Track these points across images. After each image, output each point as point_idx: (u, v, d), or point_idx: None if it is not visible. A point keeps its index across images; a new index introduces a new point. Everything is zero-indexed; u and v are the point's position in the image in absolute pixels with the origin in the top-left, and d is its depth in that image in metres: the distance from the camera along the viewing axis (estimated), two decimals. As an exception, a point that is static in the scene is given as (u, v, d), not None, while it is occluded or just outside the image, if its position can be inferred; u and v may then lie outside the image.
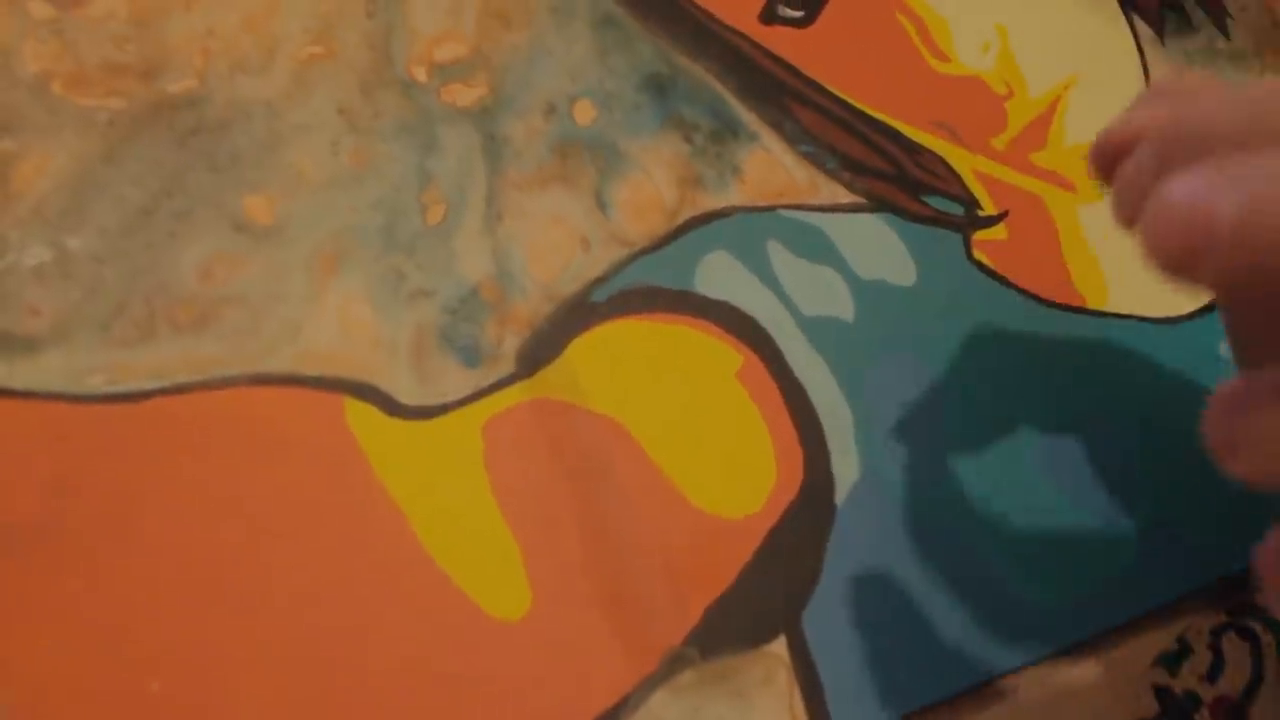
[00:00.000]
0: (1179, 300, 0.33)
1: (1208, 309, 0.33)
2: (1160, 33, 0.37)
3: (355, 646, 0.25)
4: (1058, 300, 0.31)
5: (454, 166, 0.29)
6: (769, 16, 0.33)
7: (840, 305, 0.30)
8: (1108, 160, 0.23)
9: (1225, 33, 0.38)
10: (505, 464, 0.27)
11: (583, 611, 0.26)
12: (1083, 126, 0.34)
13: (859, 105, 0.32)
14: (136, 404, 0.26)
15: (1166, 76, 0.23)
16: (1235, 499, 0.29)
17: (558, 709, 0.25)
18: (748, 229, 0.30)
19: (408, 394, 0.27)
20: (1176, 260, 0.19)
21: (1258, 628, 0.28)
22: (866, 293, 0.30)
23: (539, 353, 0.28)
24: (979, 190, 0.32)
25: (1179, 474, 0.30)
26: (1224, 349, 0.33)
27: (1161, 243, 0.19)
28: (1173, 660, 0.28)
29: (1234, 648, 0.28)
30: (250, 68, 0.29)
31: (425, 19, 0.31)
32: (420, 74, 0.30)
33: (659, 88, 0.31)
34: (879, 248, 0.31)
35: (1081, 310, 0.31)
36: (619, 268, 0.29)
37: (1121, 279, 0.32)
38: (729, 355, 0.28)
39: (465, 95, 0.30)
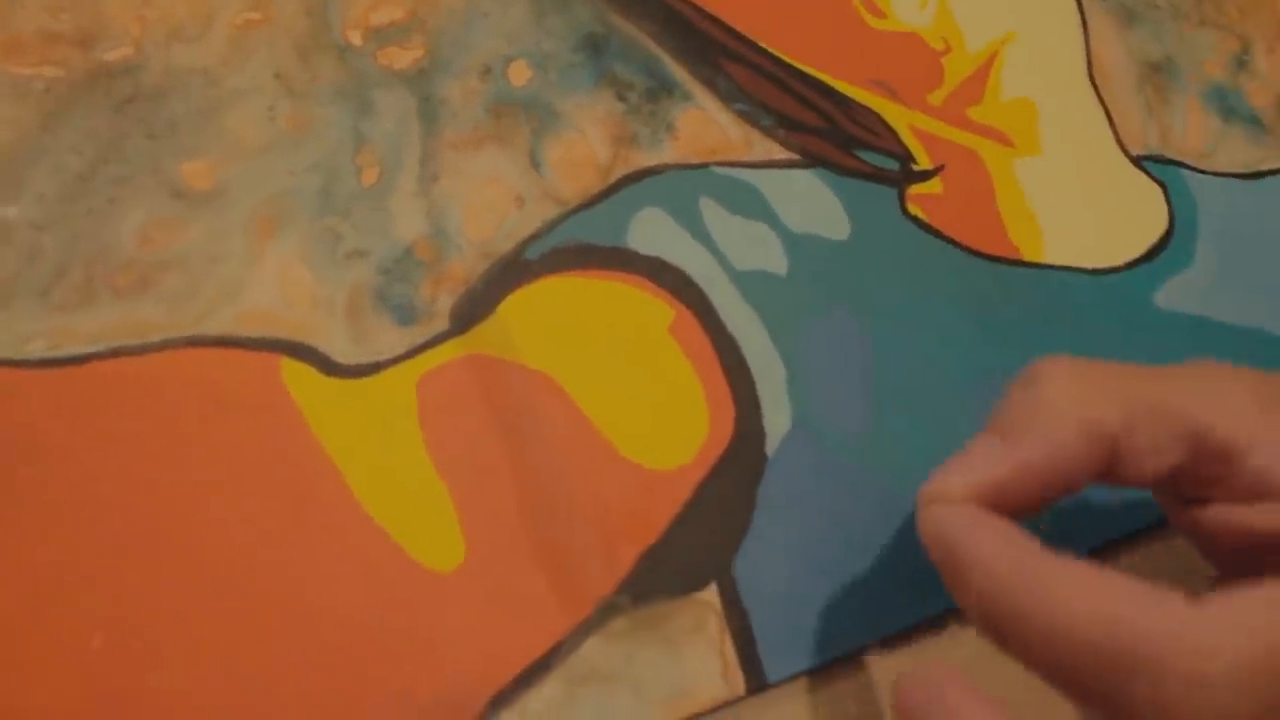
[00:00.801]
0: (1113, 251, 0.33)
1: (1142, 259, 0.33)
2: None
3: (292, 600, 0.25)
4: (993, 253, 0.32)
5: (389, 129, 0.30)
6: (705, -24, 0.33)
7: (773, 260, 0.30)
8: None
9: (1166, -15, 0.38)
10: (439, 419, 0.27)
11: (516, 562, 0.26)
12: (1020, 81, 0.35)
13: (794, 63, 0.33)
14: (77, 367, 0.26)
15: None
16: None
17: (491, 656, 0.26)
18: (681, 186, 0.30)
19: (343, 353, 0.27)
20: None
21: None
22: (800, 247, 0.30)
23: (473, 310, 0.28)
24: (914, 145, 0.33)
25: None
26: (1160, 299, 0.33)
27: None
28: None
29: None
30: (187, 35, 0.30)
31: (362, -16, 0.31)
32: (356, 38, 0.31)
33: (594, 48, 0.31)
34: (813, 203, 0.31)
35: (1016, 262, 0.32)
36: (552, 225, 0.29)
37: (1057, 231, 0.33)
38: (661, 310, 0.29)
39: (401, 58, 0.30)
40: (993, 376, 0.30)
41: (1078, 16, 0.36)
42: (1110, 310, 0.32)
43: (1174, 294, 0.33)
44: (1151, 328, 0.32)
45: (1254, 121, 0.36)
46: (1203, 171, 0.35)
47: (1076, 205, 0.33)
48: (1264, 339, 0.33)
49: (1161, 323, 0.32)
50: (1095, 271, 0.33)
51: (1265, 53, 0.37)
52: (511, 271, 0.29)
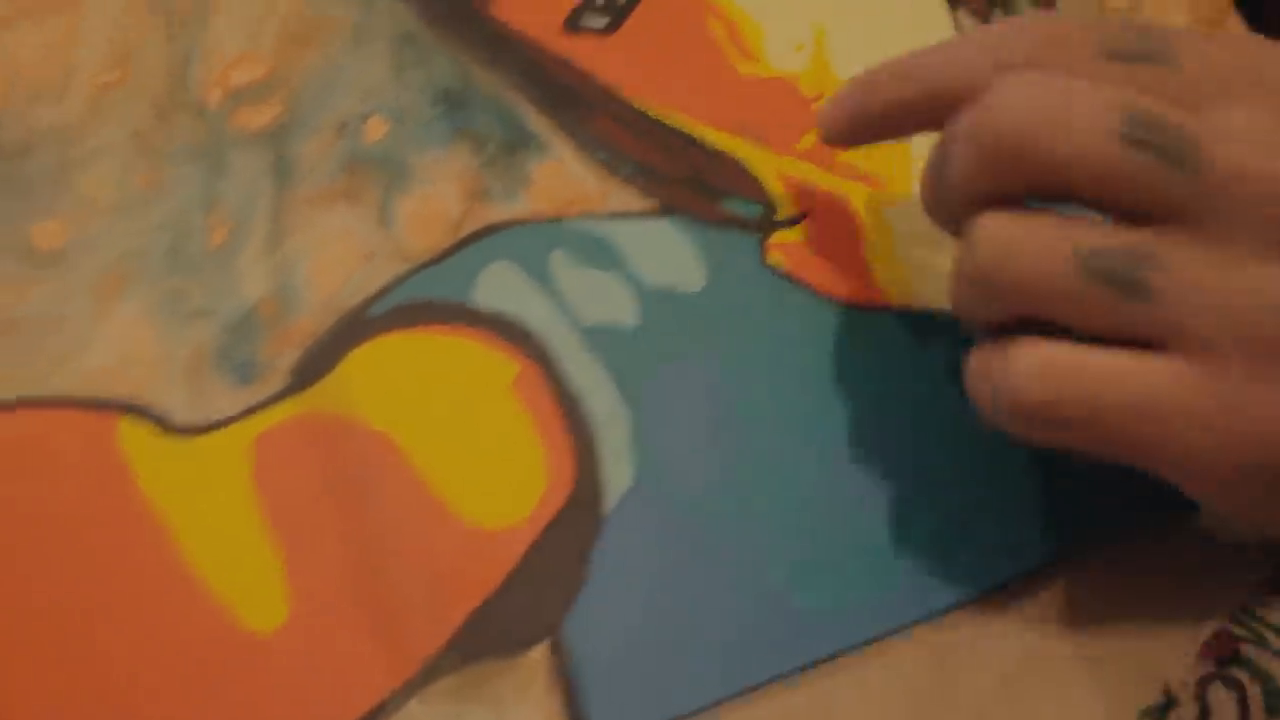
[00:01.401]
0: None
1: (1019, 304, 0.33)
2: (988, 25, 0.37)
3: (111, 662, 0.26)
4: (857, 300, 0.31)
5: (242, 188, 0.30)
6: (572, 26, 0.33)
7: (623, 313, 0.30)
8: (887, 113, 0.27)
9: (1057, 23, 0.37)
10: (273, 478, 0.27)
11: (341, 621, 0.26)
12: (898, 124, 0.34)
13: (658, 111, 0.33)
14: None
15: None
16: (1029, 499, 0.29)
17: (312, 717, 0.26)
18: (532, 240, 0.30)
19: (182, 412, 0.28)
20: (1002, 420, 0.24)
21: (1244, 678, 0.28)
22: (652, 300, 0.30)
23: (313, 367, 0.28)
24: (780, 192, 0.32)
25: (974, 474, 0.30)
26: (1035, 343, 0.32)
27: (989, 403, 0.24)
28: (1159, 713, 0.27)
29: (1220, 699, 0.27)
30: (47, 96, 0.30)
31: (225, 41, 0.32)
32: (215, 97, 0.31)
33: (453, 101, 0.32)
34: (668, 254, 0.31)
35: (882, 309, 0.32)
36: (398, 282, 0.29)
37: (926, 274, 0.32)
38: (504, 366, 0.29)
39: (258, 117, 0.31)
40: (854, 427, 0.30)
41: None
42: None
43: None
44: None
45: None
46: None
47: (944, 246, 0.33)
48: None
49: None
50: (964, 316, 0.32)
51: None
52: (354, 329, 0.29)
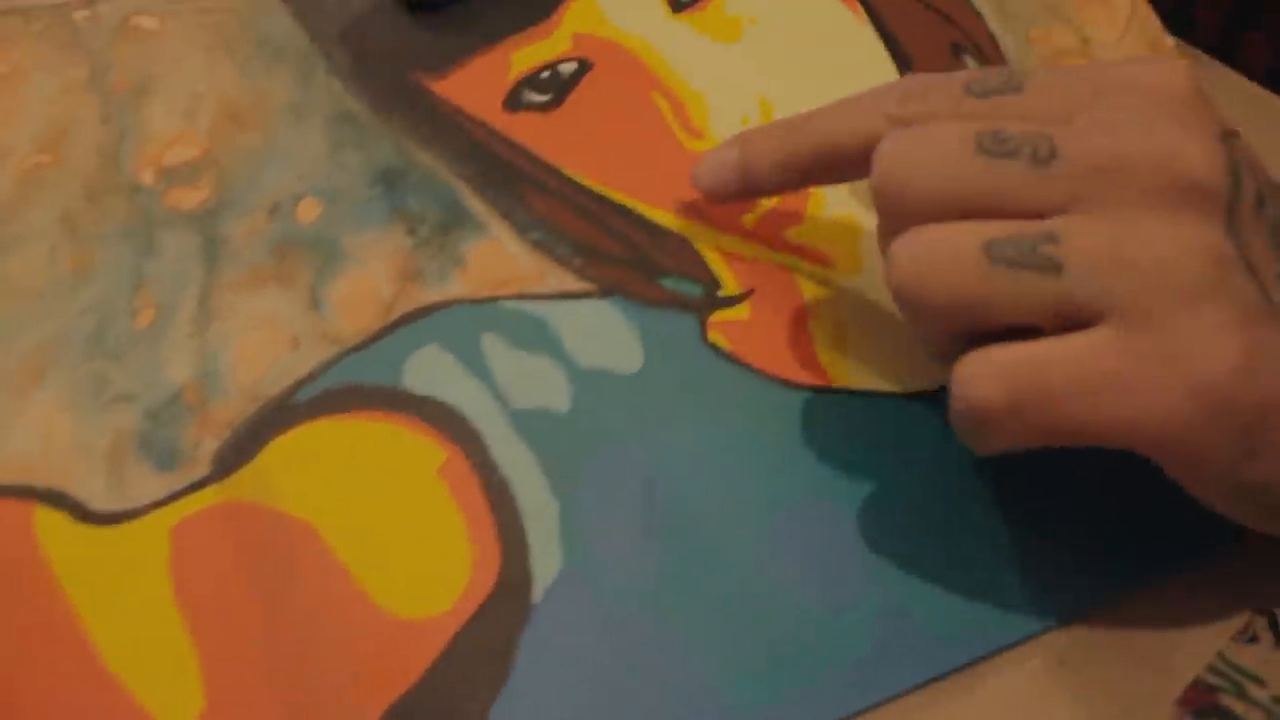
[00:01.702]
0: (930, 373, 0.32)
1: (969, 382, 0.32)
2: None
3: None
4: (800, 380, 0.31)
5: (170, 270, 0.30)
6: (514, 103, 0.33)
7: (556, 396, 0.29)
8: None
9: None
10: (190, 568, 0.27)
11: (259, 714, 0.26)
12: (843, 199, 0.34)
13: (599, 188, 0.32)
14: None
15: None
16: (973, 584, 0.29)
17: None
18: (464, 322, 0.30)
19: (100, 500, 0.27)
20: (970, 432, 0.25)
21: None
22: (586, 382, 0.30)
23: (235, 455, 0.28)
24: (722, 270, 0.32)
25: (915, 558, 0.29)
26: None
27: (958, 421, 0.25)
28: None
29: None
30: (-23, 180, 0.30)
31: (161, 121, 0.31)
32: (147, 178, 0.31)
33: (390, 182, 0.31)
34: (604, 335, 0.30)
35: (825, 389, 0.31)
36: (326, 367, 0.29)
37: (873, 354, 0.32)
38: (432, 452, 0.28)
39: (190, 198, 0.31)
40: (793, 511, 0.29)
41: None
42: (925, 436, 0.31)
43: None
44: (968, 452, 0.31)
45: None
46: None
47: (893, 325, 0.32)
48: (1098, 456, 0.32)
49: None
50: (909, 395, 0.31)
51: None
52: (278, 415, 0.28)
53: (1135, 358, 0.24)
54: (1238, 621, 0.28)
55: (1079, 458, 0.31)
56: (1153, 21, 0.40)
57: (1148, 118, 0.25)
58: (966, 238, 0.25)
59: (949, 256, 0.25)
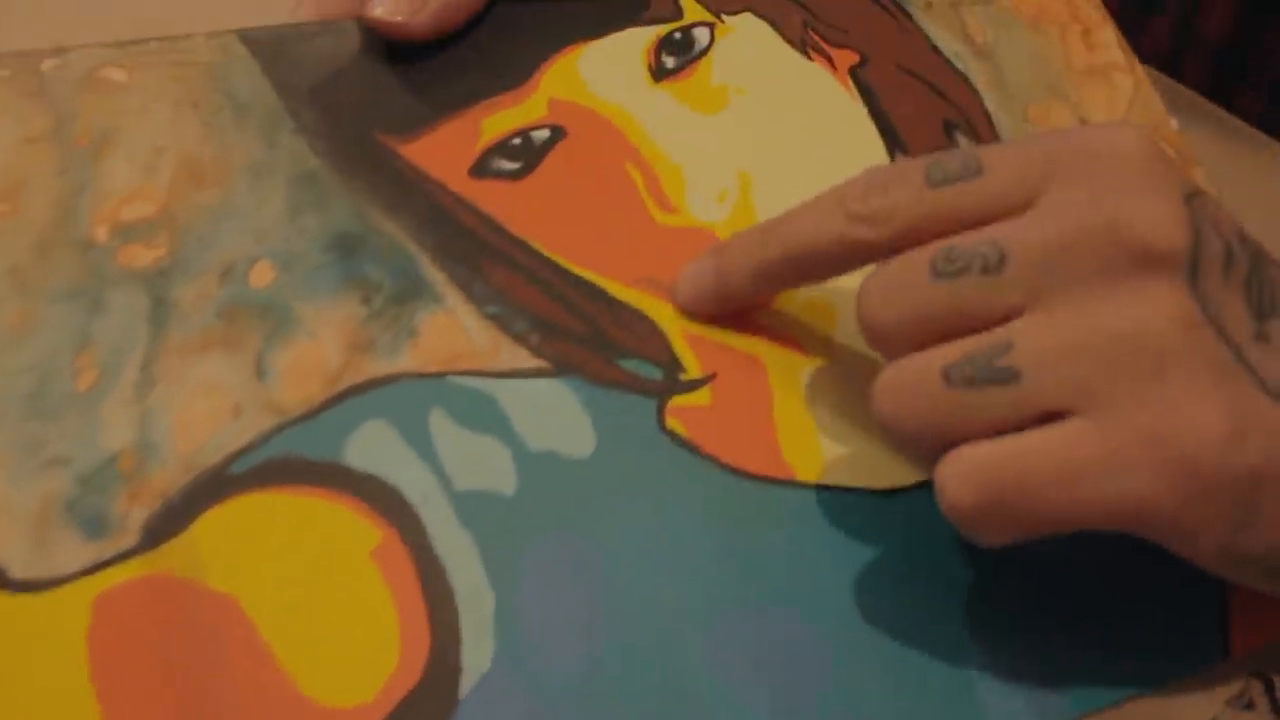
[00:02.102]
0: (901, 470, 0.30)
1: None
2: (929, 177, 0.35)
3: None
4: (761, 472, 0.30)
5: (116, 331, 0.29)
6: (481, 170, 0.32)
7: (501, 479, 0.28)
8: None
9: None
10: (110, 642, 0.26)
11: (164, 807, 0.25)
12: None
13: (563, 262, 0.31)
14: None
15: None
16: (935, 698, 0.27)
17: None
18: (411, 397, 0.29)
19: (23, 566, 0.26)
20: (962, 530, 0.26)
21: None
22: (533, 465, 0.29)
23: (165, 526, 0.27)
24: (685, 352, 0.31)
25: (874, 667, 0.28)
26: (953, 522, 0.30)
27: (950, 512, 0.25)
28: None
29: None
30: (-71, 230, 0.30)
31: (119, 176, 0.31)
32: (101, 234, 0.30)
33: (347, 248, 0.31)
34: (556, 416, 0.29)
35: (787, 483, 0.30)
36: (266, 438, 0.28)
37: (842, 446, 0.30)
38: (367, 532, 0.27)
39: (142, 256, 0.30)
40: (745, 611, 0.28)
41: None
42: (896, 533, 0.30)
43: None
44: (946, 548, 0.30)
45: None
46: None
47: (865, 417, 0.31)
48: (1074, 563, 0.30)
49: (954, 546, 0.30)
50: (879, 492, 0.30)
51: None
52: (213, 486, 0.27)
53: (1112, 442, 0.24)
54: (1234, 687, 0.27)
55: (1055, 570, 0.29)
56: (1155, 103, 0.39)
57: (1100, 189, 0.25)
58: (927, 365, 0.25)
59: (912, 385, 0.26)
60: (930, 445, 0.26)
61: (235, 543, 0.27)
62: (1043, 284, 0.25)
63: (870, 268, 0.28)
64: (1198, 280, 0.25)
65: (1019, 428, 0.25)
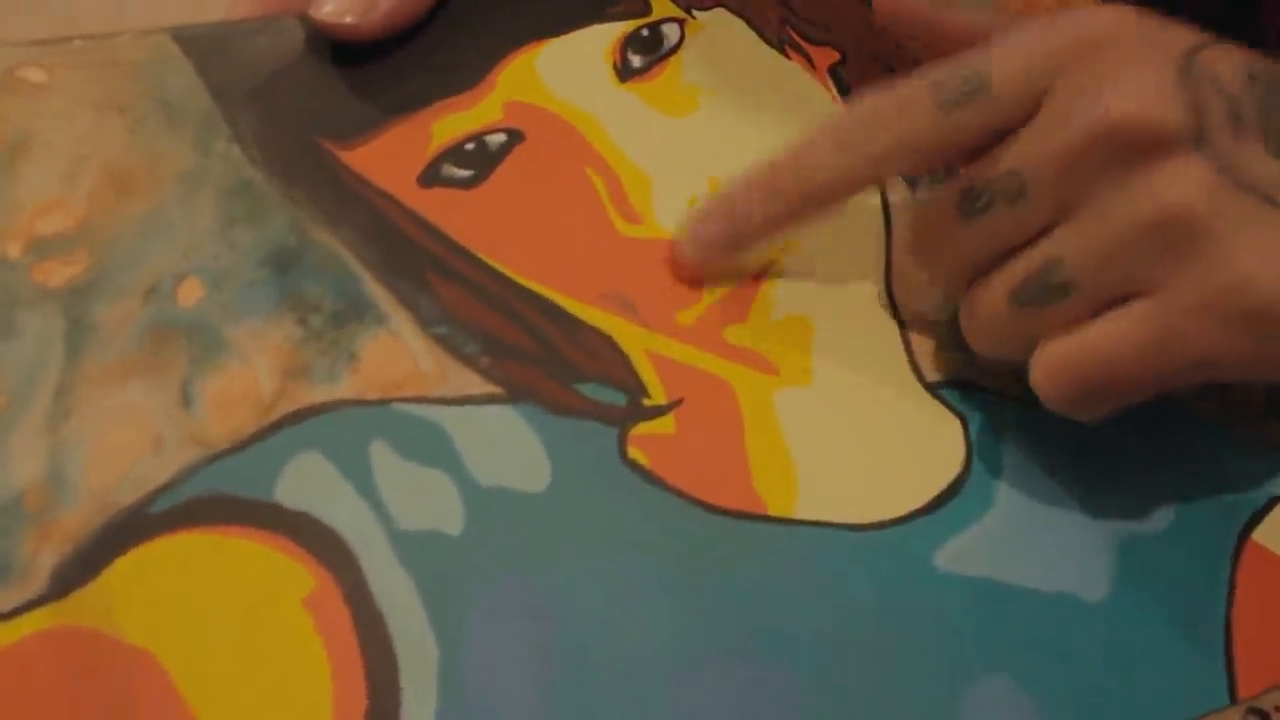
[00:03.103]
0: (887, 501, 0.28)
1: (923, 510, 0.29)
2: (911, 183, 0.33)
3: None
4: (730, 506, 0.27)
5: (28, 355, 0.27)
6: (431, 178, 0.30)
7: (447, 517, 0.26)
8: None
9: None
10: (15, 700, 0.24)
11: None
12: (798, 296, 0.30)
13: (518, 277, 0.29)
14: None
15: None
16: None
17: None
18: (350, 427, 0.27)
19: (-80, 619, 0.24)
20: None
21: None
22: (483, 501, 0.26)
23: (77, 571, 0.25)
24: (650, 375, 0.28)
25: (874, 710, 0.26)
26: (941, 558, 0.28)
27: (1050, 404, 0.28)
28: None
29: None
30: None
31: (35, 186, 0.28)
32: (15, 249, 0.28)
33: (282, 264, 0.28)
34: (508, 447, 0.27)
35: (759, 517, 0.27)
36: (190, 473, 0.26)
37: (816, 478, 0.28)
38: (300, 577, 0.25)
39: (59, 274, 0.28)
40: (712, 659, 0.26)
41: (880, 217, 0.32)
42: (873, 574, 0.27)
43: (959, 552, 0.28)
44: (923, 593, 0.27)
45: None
46: (1015, 398, 0.30)
47: (845, 446, 0.29)
48: (1074, 606, 0.28)
49: (937, 587, 0.28)
50: (859, 527, 0.28)
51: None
52: (130, 527, 0.25)
53: (1173, 315, 0.25)
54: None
55: (1051, 609, 0.27)
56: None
57: (1098, 81, 0.26)
58: (993, 298, 0.28)
59: (989, 319, 0.28)
60: (1025, 355, 0.27)
61: (153, 590, 0.25)
62: (1066, 197, 0.26)
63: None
64: (1206, 144, 0.25)
65: (1092, 317, 0.26)
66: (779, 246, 0.31)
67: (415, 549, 0.26)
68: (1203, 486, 0.30)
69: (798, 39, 0.35)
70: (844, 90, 0.34)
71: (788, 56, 0.35)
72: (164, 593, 0.25)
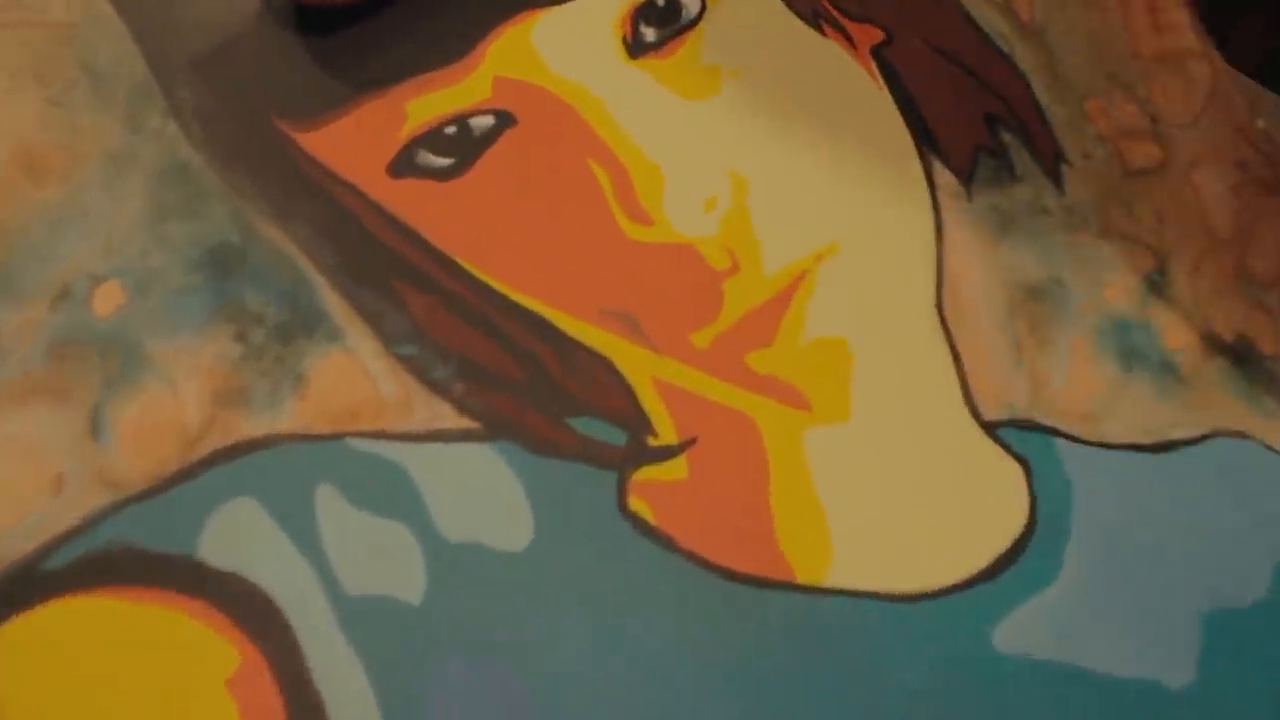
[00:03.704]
0: (939, 565, 0.24)
1: (980, 578, 0.24)
2: (968, 183, 0.28)
3: None
4: (751, 571, 0.23)
5: (-92, 371, 0.22)
6: (403, 166, 0.25)
7: (406, 581, 0.22)
8: None
9: (1059, 183, 0.29)
10: None
11: None
12: (833, 314, 0.26)
13: (501, 287, 0.25)
14: None
15: None
16: None
17: None
18: (292, 466, 0.22)
19: None
20: None
21: None
22: (449, 562, 0.22)
23: (-47, 643, 0.20)
24: (656, 408, 0.24)
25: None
26: (1000, 637, 0.24)
27: None
28: None
29: None
30: None
31: (-69, 168, 0.24)
32: (-98, 243, 0.23)
33: (221, 264, 0.24)
34: (484, 495, 0.23)
35: (786, 585, 0.23)
36: (97, 520, 0.21)
37: (854, 537, 0.24)
38: (223, 652, 0.21)
39: (-48, 273, 0.23)
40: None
41: (931, 221, 0.28)
42: (918, 655, 0.23)
43: (1023, 628, 0.24)
44: (979, 680, 0.23)
45: (1166, 369, 0.27)
46: (1087, 442, 0.26)
47: (887, 499, 0.24)
48: (1156, 695, 0.24)
49: (995, 672, 0.23)
50: (902, 598, 0.23)
51: (1188, 273, 0.28)
52: (20, 585, 0.21)
53: None
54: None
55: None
56: (1238, 101, 0.32)
57: None
58: None
59: None
60: None
61: (43, 666, 0.20)
62: None
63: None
64: None
65: None
66: (814, 254, 0.26)
67: (365, 620, 0.21)
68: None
69: (835, 14, 0.31)
70: (889, 74, 0.30)
71: (824, 34, 0.30)
72: (58, 670, 0.21)
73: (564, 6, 0.29)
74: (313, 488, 0.22)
